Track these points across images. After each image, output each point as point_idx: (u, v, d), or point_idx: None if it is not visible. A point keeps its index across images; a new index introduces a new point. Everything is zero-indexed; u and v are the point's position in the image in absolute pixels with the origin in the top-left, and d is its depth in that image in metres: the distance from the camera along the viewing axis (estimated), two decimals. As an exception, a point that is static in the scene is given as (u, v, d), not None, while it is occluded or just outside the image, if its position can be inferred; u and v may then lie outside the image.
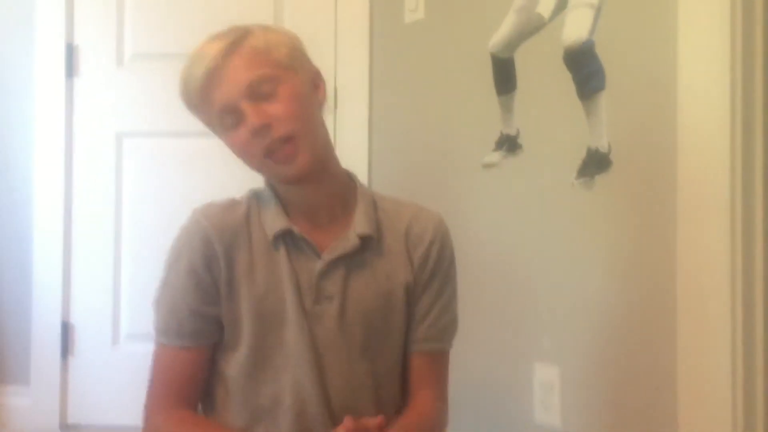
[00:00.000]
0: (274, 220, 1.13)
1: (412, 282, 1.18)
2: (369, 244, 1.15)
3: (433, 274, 1.19)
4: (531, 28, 1.74)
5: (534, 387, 1.72)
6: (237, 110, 1.08)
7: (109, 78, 2.39)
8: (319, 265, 1.12)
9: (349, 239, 1.13)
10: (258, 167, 1.13)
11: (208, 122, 1.15)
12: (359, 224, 1.15)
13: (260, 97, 1.08)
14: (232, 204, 1.17)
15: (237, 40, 1.10)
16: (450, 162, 1.98)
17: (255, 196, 1.18)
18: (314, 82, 1.16)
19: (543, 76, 1.72)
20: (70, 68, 2.38)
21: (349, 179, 1.21)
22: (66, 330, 2.38)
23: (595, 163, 1.58)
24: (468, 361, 1.87)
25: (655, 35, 1.48)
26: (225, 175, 2.26)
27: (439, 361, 1.23)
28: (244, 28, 1.13)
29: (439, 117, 2.01)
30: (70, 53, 2.38)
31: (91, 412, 2.37)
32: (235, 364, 1.13)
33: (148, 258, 2.32)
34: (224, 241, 1.11)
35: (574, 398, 1.65)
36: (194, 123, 2.43)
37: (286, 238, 1.12)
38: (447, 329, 1.23)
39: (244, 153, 1.11)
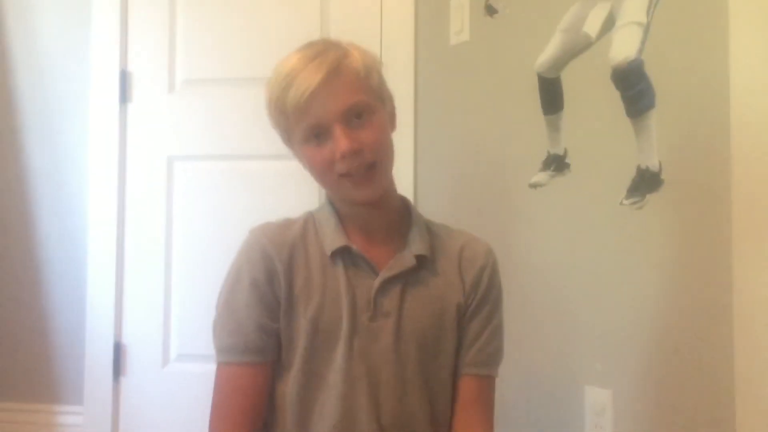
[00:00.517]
0: (333, 238, 1.15)
1: (464, 304, 1.20)
2: (424, 264, 1.17)
3: (483, 299, 1.22)
4: (578, 47, 1.73)
5: (585, 411, 1.69)
6: (328, 131, 1.11)
7: (161, 103, 2.45)
8: (377, 282, 1.13)
9: (405, 258, 1.16)
10: (331, 185, 1.16)
11: (288, 133, 1.18)
12: (415, 244, 1.17)
13: (353, 122, 1.11)
14: (288, 223, 1.20)
15: (338, 60, 1.12)
16: (497, 183, 1.97)
17: (311, 215, 1.21)
18: (392, 112, 1.21)
19: (590, 95, 1.70)
20: (124, 94, 2.45)
21: (403, 203, 1.26)
22: (118, 350, 2.43)
23: (646, 183, 1.56)
24: (517, 385, 1.85)
25: (706, 52, 1.46)
26: (275, 197, 2.31)
27: (487, 386, 1.24)
28: (337, 45, 1.16)
29: (485, 138, 2.01)
30: (124, 79, 2.45)
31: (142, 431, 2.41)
32: (289, 383, 1.13)
33: (198, 279, 2.37)
34: (283, 258, 1.13)
35: (626, 422, 1.61)
36: (244, 147, 2.49)
37: (344, 254, 1.15)
38: (495, 355, 1.24)
39: (322, 170, 1.14)
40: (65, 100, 2.50)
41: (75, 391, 2.44)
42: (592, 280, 1.70)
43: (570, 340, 1.75)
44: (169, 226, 2.42)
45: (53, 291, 2.49)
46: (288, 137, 1.19)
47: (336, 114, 1.11)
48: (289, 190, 2.26)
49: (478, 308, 1.21)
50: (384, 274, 1.14)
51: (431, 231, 1.22)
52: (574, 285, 1.74)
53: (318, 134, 1.12)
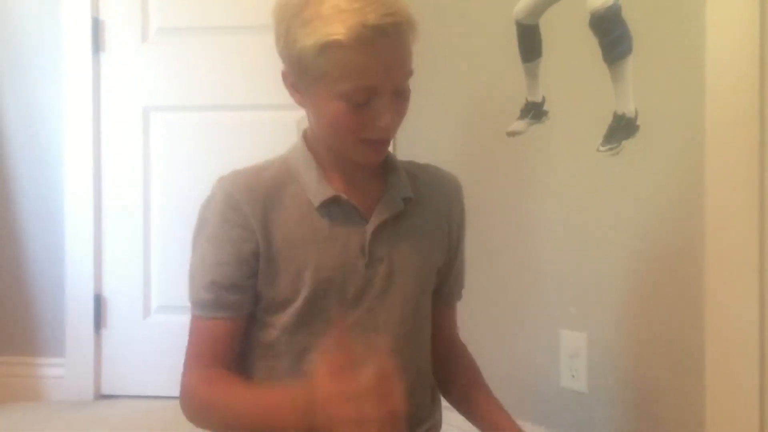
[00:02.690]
0: (318, 188, 1.10)
1: (447, 243, 1.22)
2: (409, 206, 1.16)
3: (459, 234, 1.25)
4: (556, -7, 1.72)
5: (560, 353, 1.72)
6: (382, 95, 1.02)
7: (135, 52, 2.41)
8: (370, 228, 1.11)
9: (394, 201, 1.14)
10: (344, 144, 1.08)
11: (329, 73, 1.00)
12: (398, 187, 1.16)
13: (398, 93, 1.04)
14: (258, 171, 1.13)
15: (407, 13, 1.01)
16: (475, 131, 1.97)
17: (283, 163, 1.15)
18: None
19: (569, 42, 1.70)
20: (97, 43, 2.41)
21: None
22: (98, 303, 2.43)
23: (622, 129, 1.57)
24: (494, 329, 1.88)
25: (683, -3, 1.46)
26: (252, 146, 2.28)
27: (455, 308, 1.30)
28: (398, 2, 1.01)
29: (463, 86, 2.00)
30: (96, 28, 2.40)
31: (124, 383, 2.44)
32: (276, 336, 1.12)
33: (177, 230, 2.34)
34: (257, 213, 1.08)
35: (601, 365, 1.65)
36: (220, 97, 2.46)
37: (331, 204, 1.11)
38: (463, 282, 1.29)
39: (344, 130, 1.04)
40: (38, 51, 2.45)
41: (56, 343, 2.45)
42: (568, 226, 1.72)
43: (545, 284, 1.78)
44: (146, 176, 2.41)
45: (32, 245, 2.47)
46: (317, 80, 1.03)
47: (395, 84, 1.02)
48: (266, 139, 2.23)
49: (456, 243, 1.24)
50: (375, 220, 1.12)
51: (408, 171, 1.20)
52: (551, 231, 1.76)
53: (365, 96, 1.01)
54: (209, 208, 1.11)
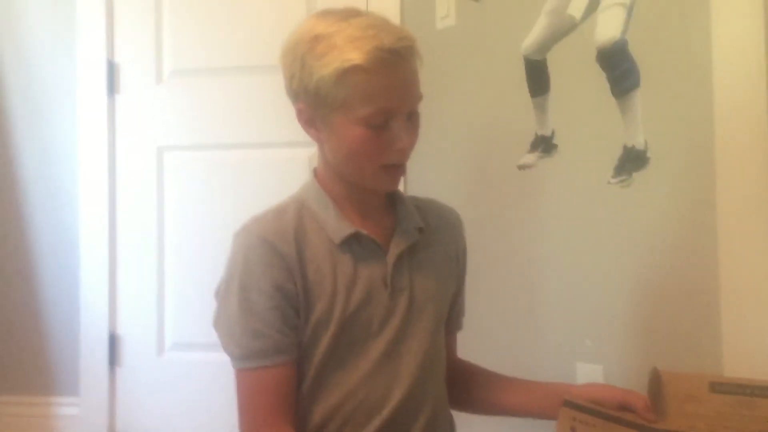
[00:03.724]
0: (338, 225, 1.12)
1: (457, 271, 1.26)
2: (422, 237, 1.19)
3: (464, 263, 1.29)
4: (563, 29, 1.74)
5: (577, 387, 1.71)
6: (399, 117, 1.06)
7: (150, 94, 2.44)
8: (391, 259, 1.13)
9: (408, 232, 1.17)
10: (363, 171, 1.10)
11: (348, 100, 1.04)
12: (410, 219, 1.18)
13: (412, 115, 1.09)
14: (278, 213, 1.14)
15: (413, 40, 1.06)
16: (486, 165, 1.98)
17: (299, 202, 1.16)
18: None
19: (576, 76, 1.72)
20: (112, 86, 2.45)
21: None
22: (113, 341, 2.44)
23: (632, 161, 1.58)
24: (508, 363, 1.87)
25: (689, 31, 1.48)
26: (264, 185, 2.32)
27: (456, 336, 1.33)
28: (402, 26, 1.11)
29: (473, 121, 2.02)
30: (112, 70, 2.44)
31: (139, 421, 2.42)
32: (309, 372, 1.12)
33: (191, 268, 2.38)
34: (292, 253, 1.09)
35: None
36: (233, 136, 2.49)
37: (351, 240, 1.12)
38: (464, 309, 1.33)
39: (365, 156, 1.07)
40: (53, 94, 2.49)
41: (71, 382, 2.45)
42: (582, 259, 1.72)
43: (560, 317, 1.78)
44: (160, 215, 2.43)
45: (46, 284, 2.49)
46: (335, 107, 1.06)
47: (412, 105, 1.07)
48: (279, 177, 2.26)
49: (462, 273, 1.29)
50: (395, 251, 1.14)
51: (414, 205, 1.23)
52: (565, 264, 1.76)
53: (382, 120, 1.05)
54: (240, 258, 1.10)
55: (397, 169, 1.11)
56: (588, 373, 1.69)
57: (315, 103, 1.08)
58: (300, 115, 1.12)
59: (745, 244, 1.37)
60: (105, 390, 2.42)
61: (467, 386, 1.28)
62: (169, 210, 2.43)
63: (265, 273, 1.08)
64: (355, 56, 1.01)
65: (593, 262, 1.69)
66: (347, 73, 1.02)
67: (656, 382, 1.10)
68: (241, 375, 1.10)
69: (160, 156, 2.44)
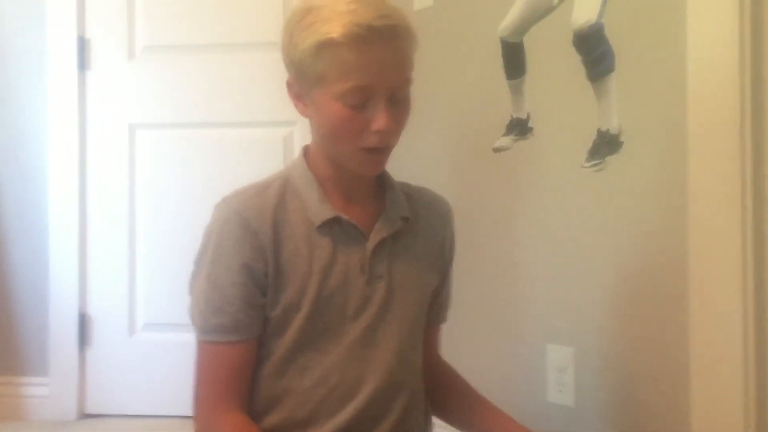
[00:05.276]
0: (319, 208, 1.11)
1: (441, 263, 1.24)
2: (406, 226, 1.18)
3: (451, 257, 1.27)
4: (540, 12, 1.74)
5: (548, 369, 1.73)
6: (378, 98, 1.04)
7: (121, 71, 2.41)
8: (370, 246, 1.12)
9: (393, 220, 1.15)
10: (344, 152, 1.09)
11: (326, 74, 1.03)
12: (397, 206, 1.17)
13: (396, 99, 1.06)
14: (262, 188, 1.13)
15: (405, 19, 1.05)
16: (461, 146, 1.99)
17: (285, 180, 1.14)
18: None
19: (553, 60, 1.72)
20: (83, 61, 2.41)
21: None
22: (83, 321, 2.42)
23: (606, 145, 1.59)
24: (481, 344, 1.89)
25: (664, 16, 1.48)
26: (239, 165, 2.30)
27: (439, 330, 1.32)
28: (394, 6, 1.05)
29: (448, 103, 2.02)
30: (82, 46, 2.40)
31: (108, 402, 2.41)
32: (279, 354, 1.11)
33: (163, 248, 2.36)
34: (268, 232, 1.08)
35: (588, 379, 1.66)
36: (207, 114, 2.47)
37: (332, 224, 1.11)
38: (449, 302, 1.31)
39: (344, 135, 1.06)
40: (22, 70, 2.45)
41: (40, 362, 2.43)
42: (554, 241, 1.73)
43: (531, 299, 1.79)
44: (132, 194, 2.41)
45: (15, 263, 2.45)
46: (315, 82, 1.05)
47: (391, 86, 1.04)
48: (253, 157, 2.25)
49: (447, 266, 1.26)
50: (375, 238, 1.13)
51: (404, 192, 1.21)
52: (536, 245, 1.78)
53: (361, 98, 1.03)
54: (216, 229, 1.10)
55: (380, 153, 1.08)
56: (559, 355, 1.71)
57: (299, 75, 1.07)
58: (289, 88, 1.11)
59: (715, 228, 1.38)
60: (75, 370, 2.41)
61: (446, 393, 1.27)
62: (140, 189, 2.41)
63: (235, 248, 1.07)
64: (332, 29, 1.00)
65: (566, 244, 1.70)
66: (324, 46, 1.01)
67: None
68: (200, 347, 1.12)
69: (132, 134, 2.41)
